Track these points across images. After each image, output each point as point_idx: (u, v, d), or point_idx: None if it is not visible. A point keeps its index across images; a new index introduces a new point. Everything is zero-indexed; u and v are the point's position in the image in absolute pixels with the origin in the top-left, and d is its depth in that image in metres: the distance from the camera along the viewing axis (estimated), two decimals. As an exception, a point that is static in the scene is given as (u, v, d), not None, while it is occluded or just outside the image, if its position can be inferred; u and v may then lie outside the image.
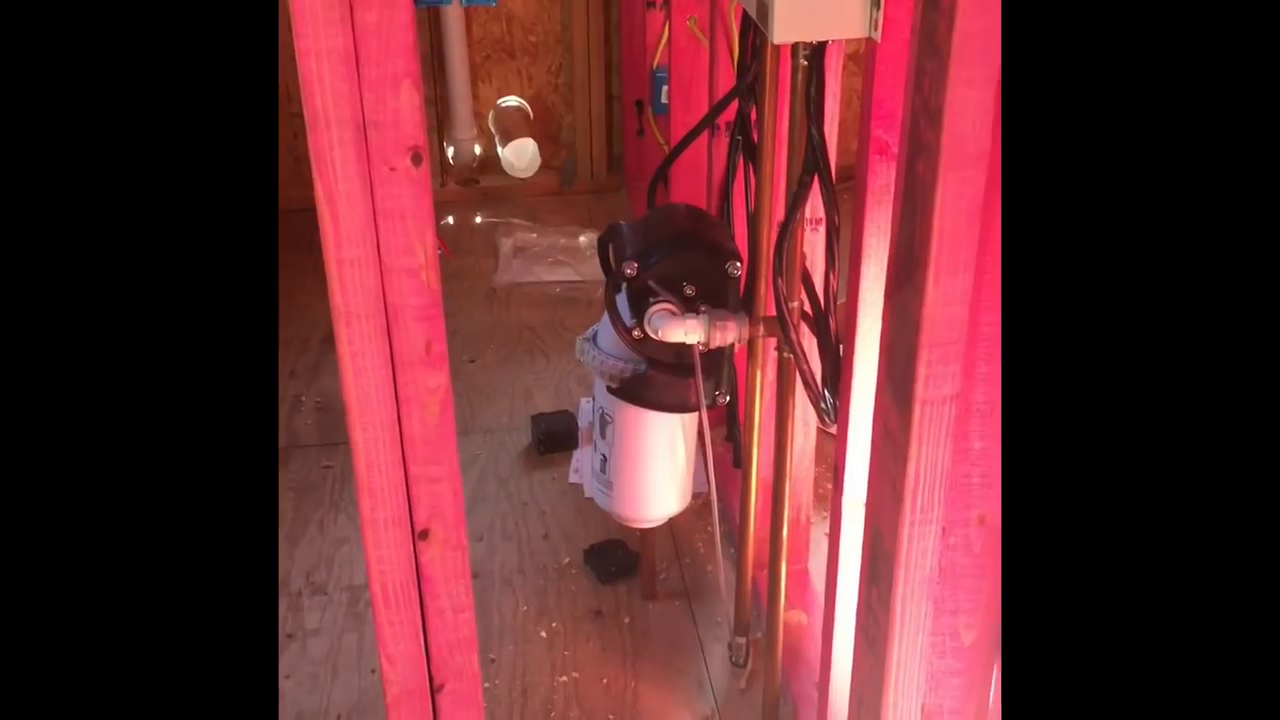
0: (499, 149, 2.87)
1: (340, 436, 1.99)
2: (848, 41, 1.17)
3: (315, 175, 0.89)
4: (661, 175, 1.60)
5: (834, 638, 1.31)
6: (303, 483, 1.98)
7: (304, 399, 2.20)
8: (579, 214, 2.85)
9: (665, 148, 2.23)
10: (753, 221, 1.39)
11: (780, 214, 1.27)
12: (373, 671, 1.61)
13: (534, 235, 2.71)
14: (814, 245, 1.37)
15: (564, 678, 1.61)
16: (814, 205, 1.28)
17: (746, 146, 1.44)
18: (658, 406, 1.45)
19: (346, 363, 0.96)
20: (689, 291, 1.37)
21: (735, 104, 1.42)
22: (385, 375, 0.97)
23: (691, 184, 1.93)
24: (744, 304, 1.40)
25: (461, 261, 2.64)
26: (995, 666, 1.08)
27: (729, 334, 1.34)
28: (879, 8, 1.02)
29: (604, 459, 1.52)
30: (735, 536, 1.64)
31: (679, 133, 1.93)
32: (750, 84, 1.36)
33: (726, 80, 1.62)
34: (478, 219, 2.85)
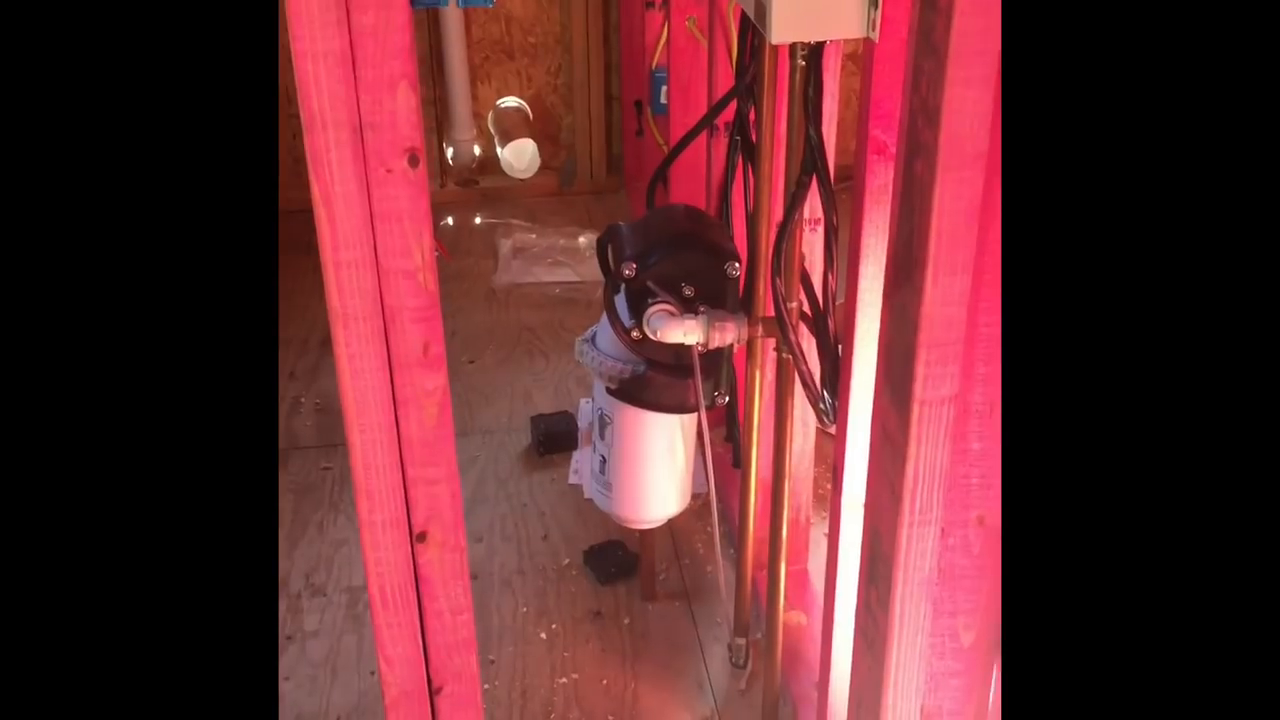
0: (498, 150, 2.87)
1: (339, 438, 1.99)
2: (846, 41, 1.17)
3: (312, 177, 0.89)
4: (660, 176, 1.60)
5: (833, 638, 1.30)
6: (302, 484, 1.98)
7: (303, 400, 2.20)
8: (578, 215, 2.85)
9: (664, 148, 2.23)
10: (751, 222, 1.39)
11: (779, 214, 1.27)
12: (372, 673, 1.61)
13: (533, 236, 2.71)
14: (812, 245, 1.37)
15: (564, 679, 1.61)
16: (812, 205, 1.28)
17: (745, 147, 1.44)
18: (657, 407, 1.45)
19: (344, 365, 0.96)
20: (688, 292, 1.37)
21: (734, 104, 1.41)
22: (383, 377, 0.97)
23: (690, 184, 1.93)
24: (743, 304, 1.40)
25: (461, 262, 2.64)
26: (995, 667, 1.08)
27: (728, 335, 1.34)
28: (877, 7, 1.02)
29: (603, 460, 1.52)
30: (735, 537, 1.64)
31: (678, 133, 1.93)
32: (749, 84, 1.36)
33: (725, 81, 1.62)
34: (477, 220, 2.85)
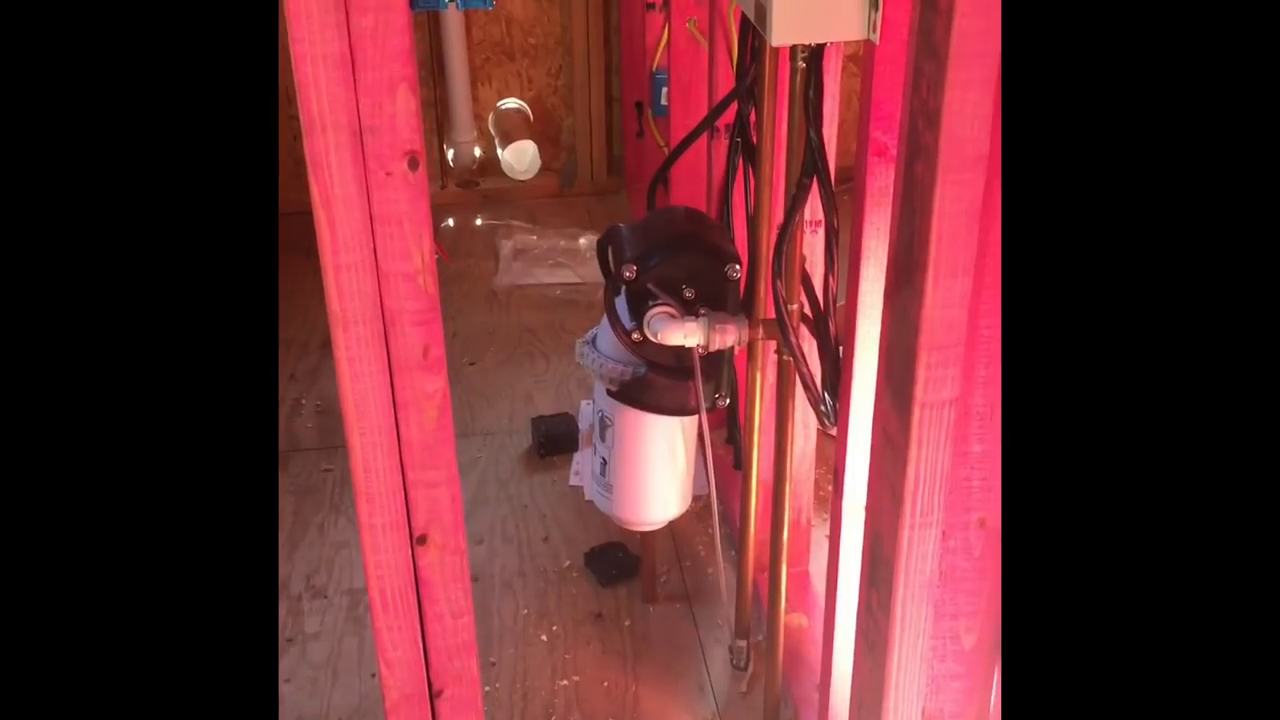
0: (499, 151, 2.87)
1: (340, 440, 1.99)
2: (847, 43, 1.17)
3: (311, 180, 0.89)
4: (661, 177, 1.60)
5: (835, 641, 1.30)
6: (303, 486, 1.98)
7: (304, 402, 2.19)
8: (579, 216, 2.85)
9: (665, 150, 2.23)
10: (752, 224, 1.38)
11: (779, 216, 1.26)
12: (373, 675, 1.61)
13: (534, 237, 2.71)
14: (813, 247, 1.37)
15: (564, 681, 1.61)
16: (813, 207, 1.28)
17: (746, 149, 1.43)
18: (657, 409, 1.45)
19: (344, 368, 0.96)
20: (688, 294, 1.36)
21: (735, 106, 1.41)
22: (383, 380, 0.97)
23: (691, 186, 1.93)
24: (743, 306, 1.40)
25: (461, 264, 2.64)
26: (996, 670, 1.08)
27: (728, 337, 1.33)
28: (877, 9, 1.02)
29: (604, 462, 1.52)
30: (736, 539, 1.64)
31: (678, 135, 1.93)
32: (749, 86, 1.35)
33: (726, 82, 1.61)
34: (478, 221, 2.85)
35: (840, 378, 1.24)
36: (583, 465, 1.99)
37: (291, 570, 1.80)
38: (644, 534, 1.66)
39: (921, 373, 0.93)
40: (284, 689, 1.60)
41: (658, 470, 1.50)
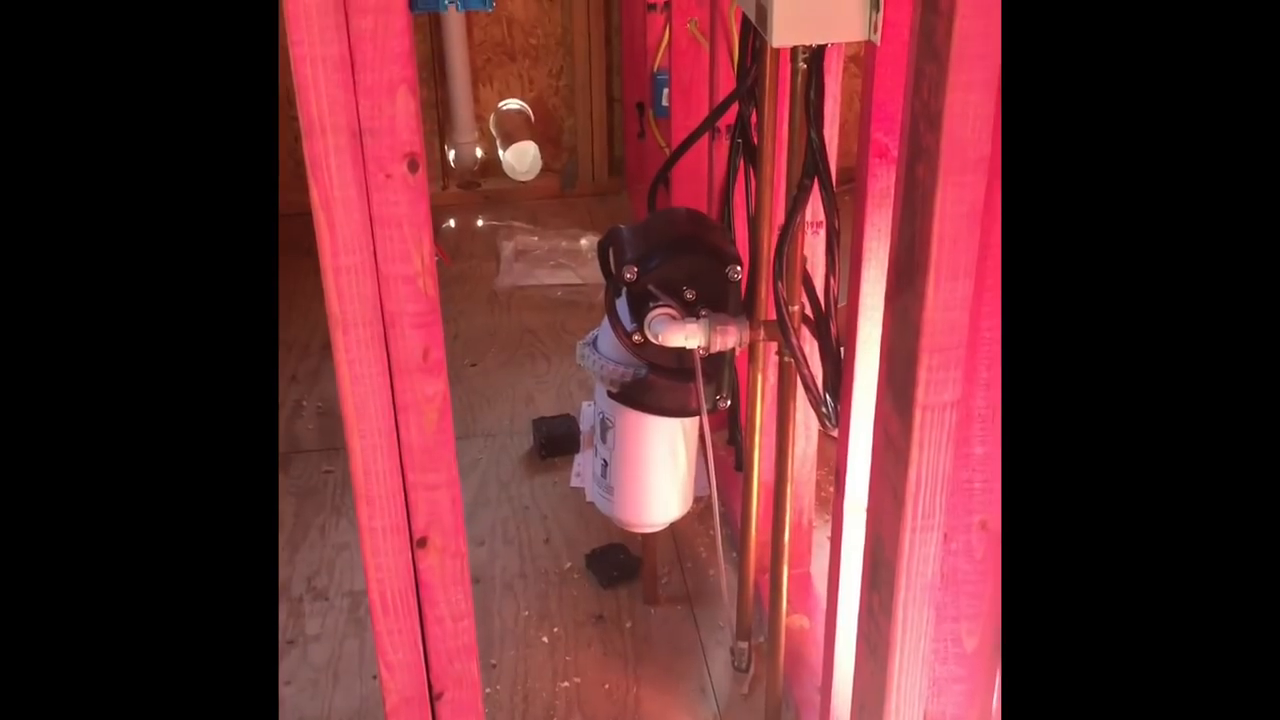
0: (500, 152, 2.86)
1: (341, 442, 1.99)
2: (848, 44, 1.17)
3: (311, 182, 0.89)
4: (662, 178, 1.60)
5: (836, 643, 1.30)
6: (304, 488, 1.98)
7: (305, 404, 2.19)
8: (580, 217, 2.85)
9: (666, 150, 2.23)
10: (753, 225, 1.38)
11: (781, 217, 1.26)
12: (374, 677, 1.61)
13: (535, 238, 2.71)
14: (814, 248, 1.37)
15: (566, 683, 1.61)
16: (814, 208, 1.28)
17: (747, 150, 1.43)
18: (658, 411, 1.44)
19: (344, 370, 0.96)
20: (689, 295, 1.36)
21: (736, 107, 1.41)
22: (383, 383, 0.97)
23: (692, 187, 1.92)
24: (744, 308, 1.39)
25: (463, 265, 2.64)
26: (998, 673, 1.08)
27: (729, 338, 1.33)
28: (878, 10, 1.02)
29: (605, 464, 1.51)
30: (737, 541, 1.63)
31: (679, 135, 1.93)
32: (750, 87, 1.35)
33: (727, 83, 1.61)
34: (479, 222, 2.85)
35: (841, 379, 1.24)
36: (584, 467, 1.99)
37: (293, 572, 1.79)
38: (645, 535, 1.66)
39: (923, 375, 0.92)
40: (285, 691, 1.59)
41: (659, 472, 1.50)
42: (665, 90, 2.18)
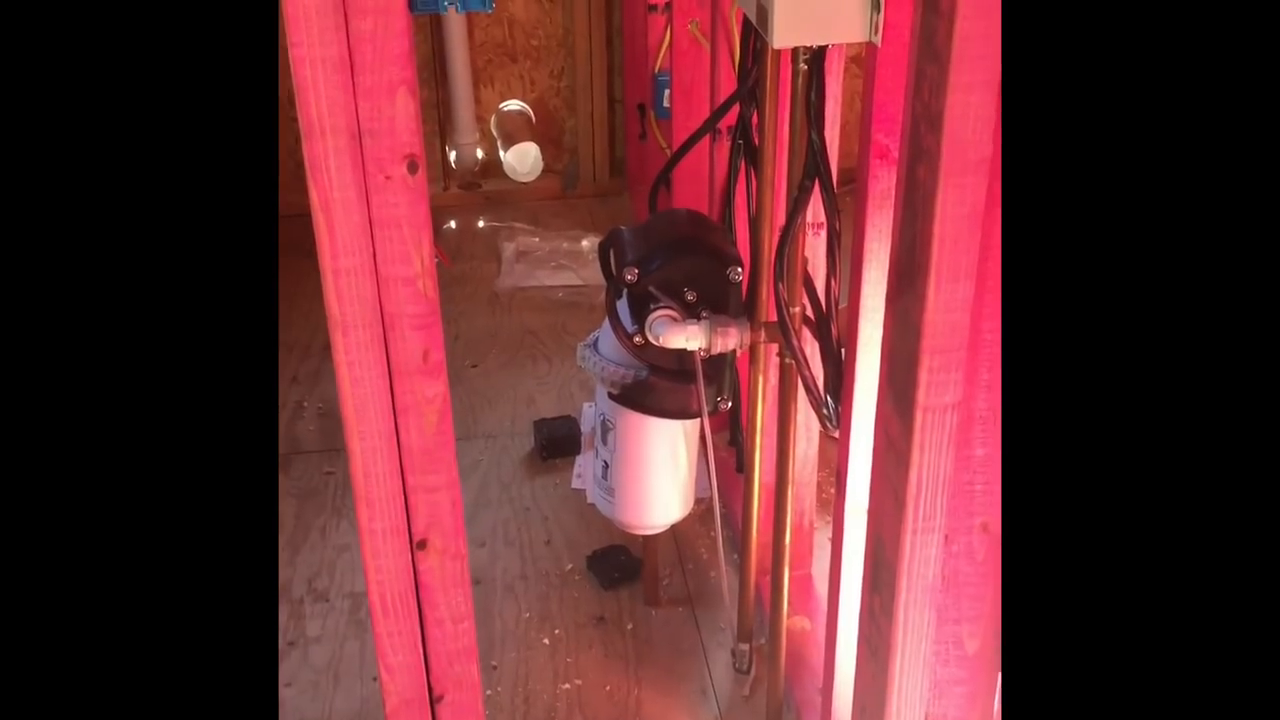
0: (501, 153, 2.86)
1: (342, 443, 1.99)
2: (849, 45, 1.17)
3: (310, 184, 0.89)
4: (663, 179, 1.60)
5: (837, 644, 1.30)
6: (304, 489, 1.98)
7: (305, 404, 2.19)
8: (581, 218, 2.85)
9: (667, 152, 2.22)
10: (754, 226, 1.38)
11: (781, 218, 1.26)
12: (374, 679, 1.60)
13: (536, 239, 2.71)
14: (815, 250, 1.37)
15: (566, 685, 1.61)
16: (815, 210, 1.28)
17: (748, 151, 1.43)
18: (659, 413, 1.44)
19: (343, 372, 0.96)
20: (690, 297, 1.36)
21: (737, 108, 1.41)
22: (382, 385, 0.97)
23: (693, 188, 1.92)
24: (745, 309, 1.39)
25: (463, 266, 2.64)
26: (999, 675, 1.08)
27: (730, 340, 1.33)
28: (879, 11, 1.01)
29: (606, 465, 1.51)
30: (738, 542, 1.63)
31: (680, 137, 1.93)
32: (751, 88, 1.35)
33: (728, 84, 1.61)
34: (480, 223, 2.85)
35: (842, 381, 1.23)
36: (585, 468, 1.99)
37: (293, 574, 1.79)
38: (646, 537, 1.66)
39: (924, 377, 0.92)
40: (285, 693, 1.59)
41: (659, 473, 1.49)
42: (666, 91, 2.18)
